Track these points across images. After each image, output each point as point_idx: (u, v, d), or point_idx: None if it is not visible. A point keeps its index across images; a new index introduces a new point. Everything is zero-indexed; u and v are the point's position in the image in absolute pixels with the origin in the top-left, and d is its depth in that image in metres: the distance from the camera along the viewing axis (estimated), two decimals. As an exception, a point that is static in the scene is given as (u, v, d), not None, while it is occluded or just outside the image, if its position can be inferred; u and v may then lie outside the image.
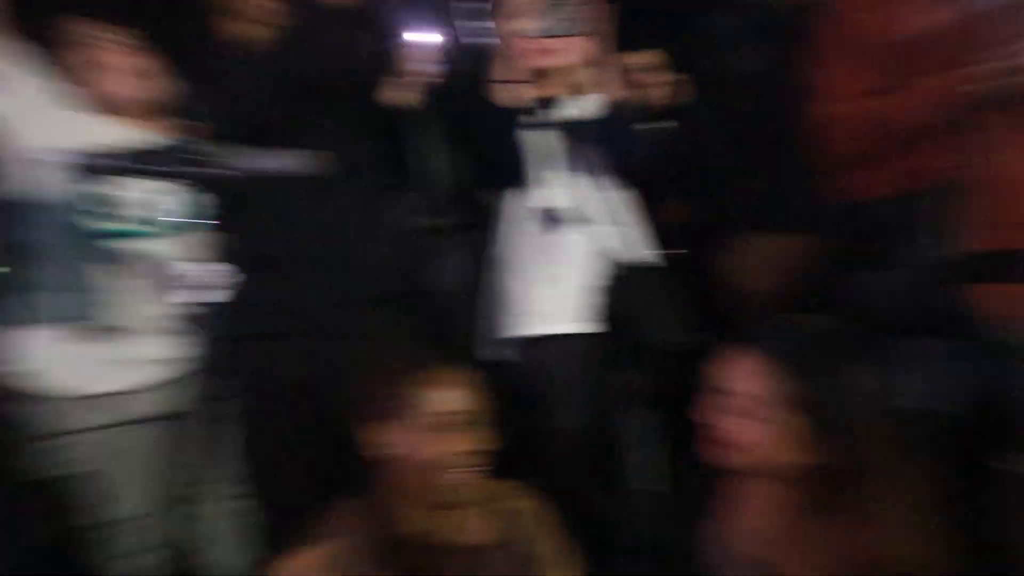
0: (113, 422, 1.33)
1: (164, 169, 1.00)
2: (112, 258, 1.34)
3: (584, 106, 1.61)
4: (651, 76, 2.33)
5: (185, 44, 1.54)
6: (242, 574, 1.45)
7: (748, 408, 0.89)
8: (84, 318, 1.28)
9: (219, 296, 1.01)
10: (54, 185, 1.31)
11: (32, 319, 1.29)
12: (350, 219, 1.41)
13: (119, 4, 1.49)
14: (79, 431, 1.32)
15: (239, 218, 1.10)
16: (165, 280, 1.38)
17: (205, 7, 1.45)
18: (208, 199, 1.02)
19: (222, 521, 1.45)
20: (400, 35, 1.42)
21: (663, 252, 1.92)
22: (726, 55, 1.66)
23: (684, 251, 1.88)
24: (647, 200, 1.97)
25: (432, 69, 1.54)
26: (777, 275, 1.60)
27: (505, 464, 1.62)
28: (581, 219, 1.54)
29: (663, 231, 1.97)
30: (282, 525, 1.26)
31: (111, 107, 1.44)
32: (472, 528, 1.09)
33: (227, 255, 1.03)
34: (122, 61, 1.42)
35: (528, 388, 1.54)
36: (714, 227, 1.71)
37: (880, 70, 1.36)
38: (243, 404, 1.32)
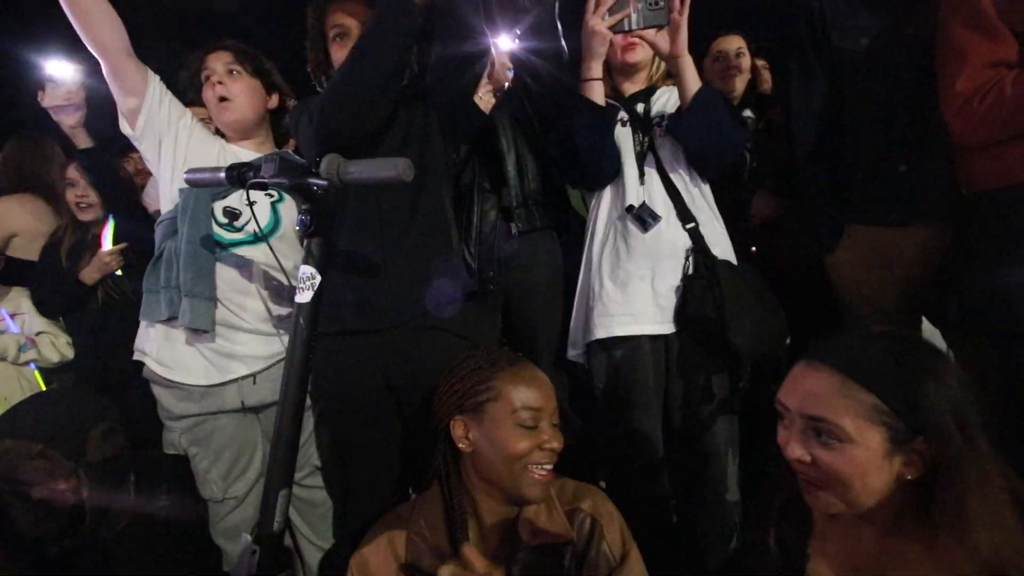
0: (221, 409, 1.47)
1: (274, 182, 1.07)
2: (225, 264, 1.47)
3: (673, 99, 1.57)
4: (743, 62, 2.22)
5: (291, 67, 1.66)
6: (325, 557, 1.55)
7: (818, 430, 0.83)
8: (200, 316, 1.41)
9: (317, 295, 1.08)
10: (181, 200, 1.47)
11: (159, 316, 1.45)
12: (439, 220, 1.44)
13: (238, 36, 1.63)
14: (193, 416, 1.47)
15: (336, 222, 1.16)
16: (271, 283, 1.52)
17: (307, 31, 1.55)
18: (311, 207, 1.08)
19: (308, 507, 1.56)
20: (488, 39, 1.43)
21: (756, 249, 1.81)
22: (829, 32, 1.51)
23: (779, 247, 1.76)
24: (740, 194, 1.87)
25: (518, 72, 1.56)
26: (887, 272, 1.44)
27: (585, 464, 1.62)
28: (670, 216, 1.49)
29: (757, 226, 1.86)
30: (363, 513, 1.33)
31: (230, 130, 1.60)
32: (547, 524, 1.10)
33: (326, 257, 1.09)
34: (239, 90, 1.56)
35: (612, 389, 1.51)
36: (813, 220, 1.57)
37: (1014, 38, 1.19)
38: (331, 396, 1.40)
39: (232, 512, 1.51)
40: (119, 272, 2.15)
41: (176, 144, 1.52)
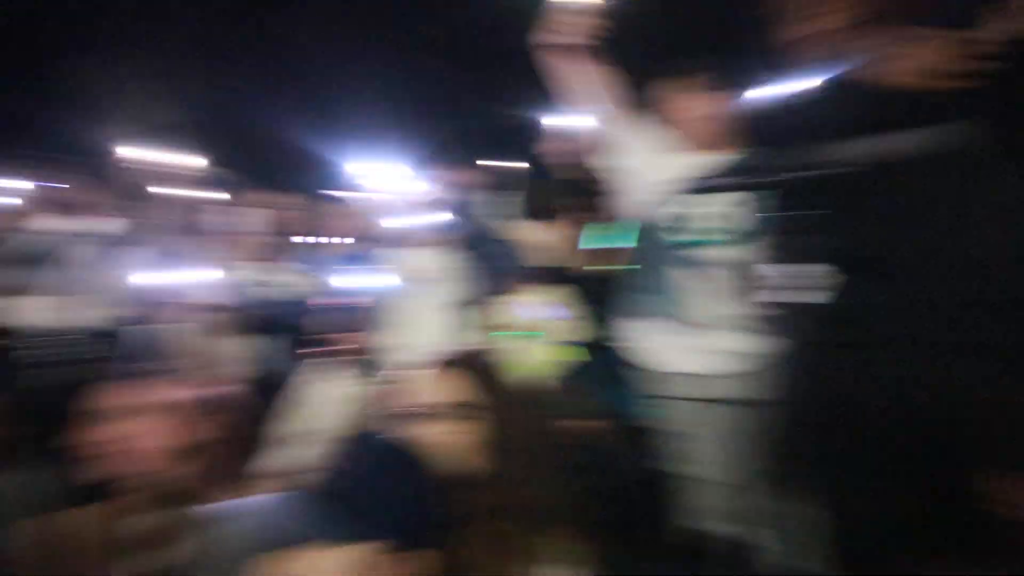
0: (692, 397, 1.59)
1: (741, 182, 1.05)
2: (693, 264, 1.60)
3: None
4: None
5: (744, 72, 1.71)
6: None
7: None
8: (670, 313, 1.57)
9: (807, 298, 0.99)
10: (651, 209, 1.67)
11: (636, 312, 1.68)
12: (962, 210, 1.02)
13: (691, 59, 1.75)
14: (664, 398, 1.64)
15: (832, 218, 1.00)
16: (742, 282, 1.56)
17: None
18: (782, 204, 1.01)
19: (787, 519, 1.43)
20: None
21: None
22: None
23: None
24: None
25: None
26: None
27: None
28: None
29: None
30: (858, 547, 1.11)
31: (694, 142, 1.72)
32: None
33: (821, 256, 0.98)
34: (698, 106, 1.69)
35: None
36: None
37: None
38: (818, 410, 1.17)
39: (704, 494, 1.58)
40: None
41: (641, 163, 1.77)
